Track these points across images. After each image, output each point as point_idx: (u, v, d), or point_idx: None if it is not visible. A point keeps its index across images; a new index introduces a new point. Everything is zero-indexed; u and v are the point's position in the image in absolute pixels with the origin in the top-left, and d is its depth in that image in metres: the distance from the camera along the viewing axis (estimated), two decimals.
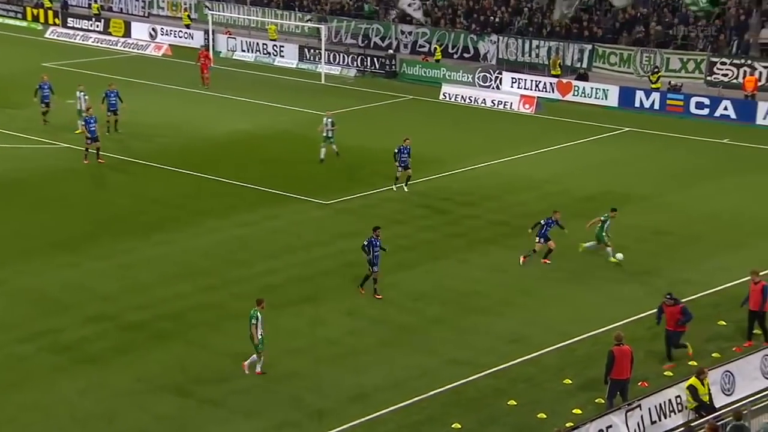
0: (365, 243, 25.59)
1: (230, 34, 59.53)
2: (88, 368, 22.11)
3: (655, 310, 22.99)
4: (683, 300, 23.19)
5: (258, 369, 21.67)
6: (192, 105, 46.62)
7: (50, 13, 66.29)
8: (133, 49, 60.30)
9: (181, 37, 61.39)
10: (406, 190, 33.57)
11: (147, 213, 31.67)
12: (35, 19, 66.62)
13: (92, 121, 35.70)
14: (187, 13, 63.54)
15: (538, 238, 27.79)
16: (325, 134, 36.34)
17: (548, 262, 27.90)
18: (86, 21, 64.45)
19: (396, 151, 33.70)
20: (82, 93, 39.46)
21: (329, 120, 36.50)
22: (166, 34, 61.58)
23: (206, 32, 58.81)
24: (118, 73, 52.01)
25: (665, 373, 21.88)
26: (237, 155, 38.41)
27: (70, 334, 23.62)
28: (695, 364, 21.76)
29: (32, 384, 21.41)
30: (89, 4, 67.37)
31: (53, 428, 19.87)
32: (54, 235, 29.52)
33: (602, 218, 28.02)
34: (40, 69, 51.96)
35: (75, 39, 62.30)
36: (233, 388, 21.27)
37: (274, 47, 57.67)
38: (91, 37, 62.28)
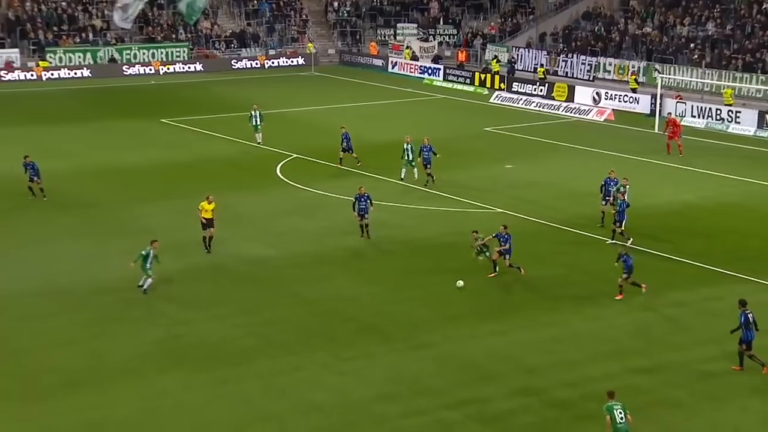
0: None
1: (680, 99, 58.59)
2: None
3: None
4: None
5: None
6: (630, 172, 46.22)
7: (497, 78, 69.71)
8: (574, 113, 61.43)
9: (625, 101, 61.56)
10: None
11: (577, 284, 31.79)
12: (482, 84, 70.37)
13: None
14: (634, 77, 63.72)
15: None
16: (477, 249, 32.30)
17: None
18: (530, 85, 66.84)
19: None
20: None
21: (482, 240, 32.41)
22: (610, 99, 62.07)
23: (653, 96, 58.52)
24: (557, 138, 53.28)
25: None
26: (676, 228, 37.48)
27: (497, 404, 24.08)
28: None
29: None
30: (535, 68, 69.94)
31: None
32: (480, 303, 30.44)
33: None
34: (482, 134, 54.84)
35: (518, 104, 64.73)
36: None
37: (729, 113, 55.93)
38: (533, 102, 64.43)
